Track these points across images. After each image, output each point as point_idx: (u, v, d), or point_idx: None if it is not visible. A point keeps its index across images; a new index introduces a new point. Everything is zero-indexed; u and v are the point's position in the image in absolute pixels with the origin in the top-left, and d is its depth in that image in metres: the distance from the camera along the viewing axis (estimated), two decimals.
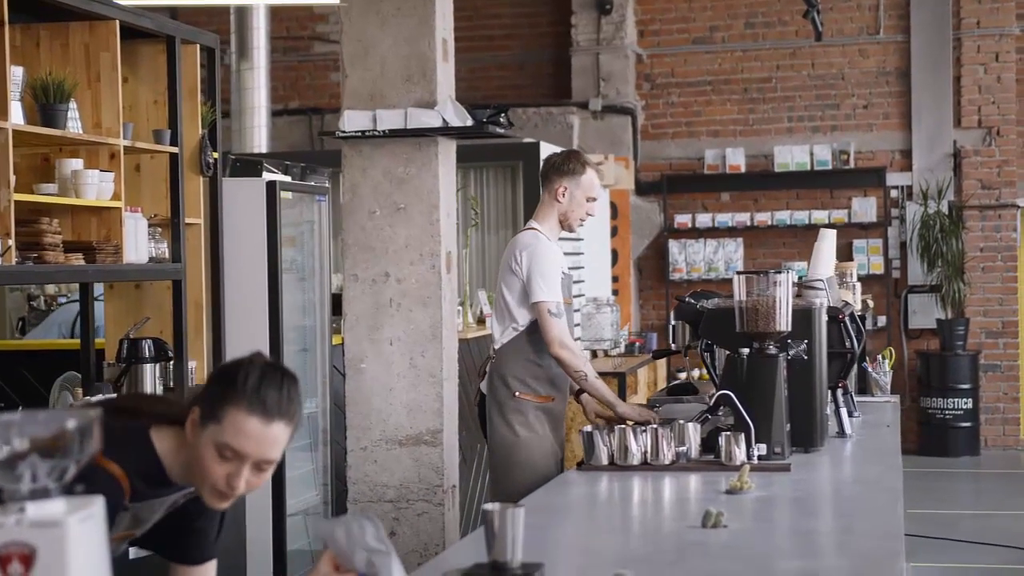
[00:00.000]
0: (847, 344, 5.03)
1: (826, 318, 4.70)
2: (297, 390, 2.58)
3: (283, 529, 6.38)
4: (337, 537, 2.48)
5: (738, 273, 4.46)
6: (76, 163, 5.11)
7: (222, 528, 2.85)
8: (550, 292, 5.09)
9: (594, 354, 10.09)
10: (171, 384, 5.69)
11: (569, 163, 5.31)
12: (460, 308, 7.79)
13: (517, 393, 5.18)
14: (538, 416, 5.17)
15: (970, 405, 12.07)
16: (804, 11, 9.69)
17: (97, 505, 1.83)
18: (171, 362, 5.65)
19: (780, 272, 4.43)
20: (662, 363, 11.38)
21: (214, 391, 2.54)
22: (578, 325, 9.75)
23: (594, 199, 5.33)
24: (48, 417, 1.83)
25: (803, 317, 4.51)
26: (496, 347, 5.29)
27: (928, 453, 12.05)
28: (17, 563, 1.75)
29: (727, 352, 4.53)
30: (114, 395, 5.12)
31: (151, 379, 5.55)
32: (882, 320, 12.40)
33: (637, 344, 11.30)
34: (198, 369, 5.91)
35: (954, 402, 12.04)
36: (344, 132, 6.13)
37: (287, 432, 2.54)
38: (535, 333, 5.16)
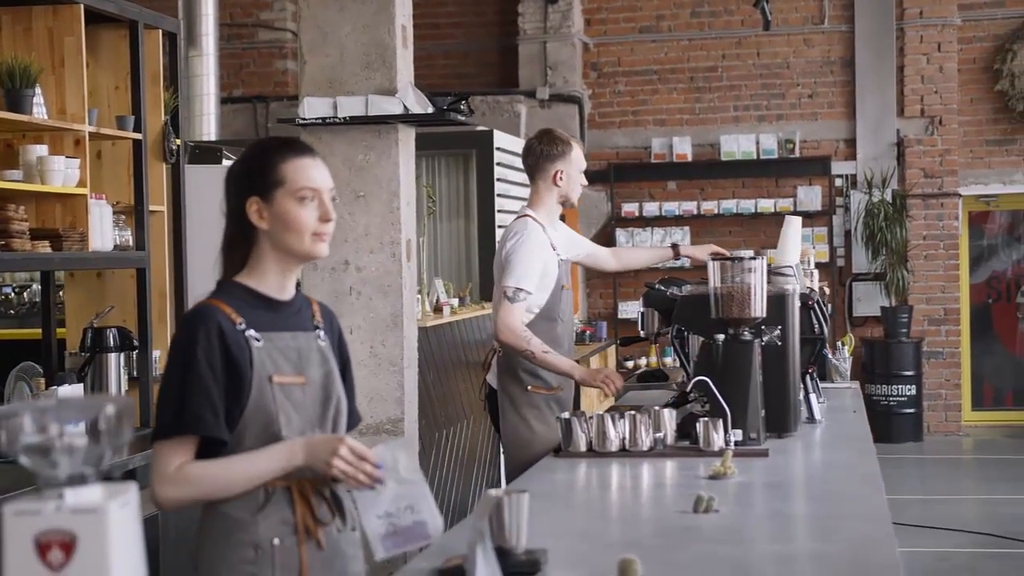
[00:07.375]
0: (816, 329, 5.07)
1: (798, 304, 4.73)
2: None
3: None
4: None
5: (713, 259, 4.47)
6: (41, 149, 5.03)
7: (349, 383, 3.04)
8: (517, 279, 5.05)
9: None
10: (135, 374, 5.62)
11: (557, 146, 5.34)
12: (418, 296, 7.77)
13: (529, 387, 5.15)
14: (551, 408, 5.12)
15: (913, 392, 12.22)
16: (754, 0, 9.72)
17: (132, 491, 1.81)
18: (135, 351, 5.58)
19: (755, 258, 4.44)
20: (611, 351, 11.43)
21: (257, 175, 2.83)
22: None
23: (584, 168, 5.48)
24: (85, 403, 1.81)
25: (777, 303, 4.53)
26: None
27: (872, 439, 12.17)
28: (57, 550, 1.73)
29: (701, 338, 4.54)
30: None
31: (115, 368, 5.47)
32: (828, 307, 12.49)
33: (588, 333, 11.33)
34: (162, 358, 5.85)
35: (898, 388, 12.19)
36: (304, 120, 6.08)
37: None
38: (541, 323, 5.11)
